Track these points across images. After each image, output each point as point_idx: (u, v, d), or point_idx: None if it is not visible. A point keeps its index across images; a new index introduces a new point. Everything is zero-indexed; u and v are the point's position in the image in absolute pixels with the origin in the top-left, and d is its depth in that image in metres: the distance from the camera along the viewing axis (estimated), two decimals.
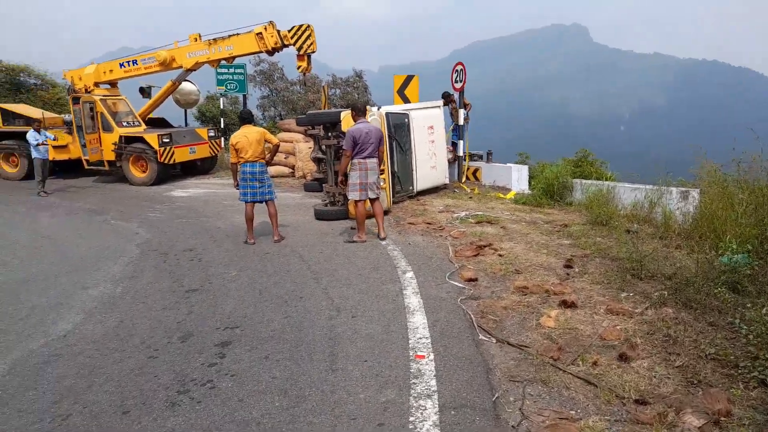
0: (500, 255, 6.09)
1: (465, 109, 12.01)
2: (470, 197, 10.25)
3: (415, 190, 10.06)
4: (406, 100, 12.33)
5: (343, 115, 8.28)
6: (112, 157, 13.39)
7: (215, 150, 14.91)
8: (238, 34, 13.01)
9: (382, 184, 8.51)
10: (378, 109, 9.28)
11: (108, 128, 13.32)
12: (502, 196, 10.60)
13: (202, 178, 14.45)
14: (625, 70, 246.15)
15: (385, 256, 6.33)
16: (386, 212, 8.83)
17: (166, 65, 13.67)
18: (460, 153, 11.95)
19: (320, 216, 8.63)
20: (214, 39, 13.19)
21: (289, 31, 12.58)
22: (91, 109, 13.35)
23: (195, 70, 14.01)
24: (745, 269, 4.43)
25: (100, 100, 13.36)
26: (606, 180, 10.79)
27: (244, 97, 17.82)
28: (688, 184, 12.90)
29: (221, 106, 17.87)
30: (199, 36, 13.44)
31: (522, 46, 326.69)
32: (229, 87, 17.30)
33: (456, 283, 5.24)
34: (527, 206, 9.52)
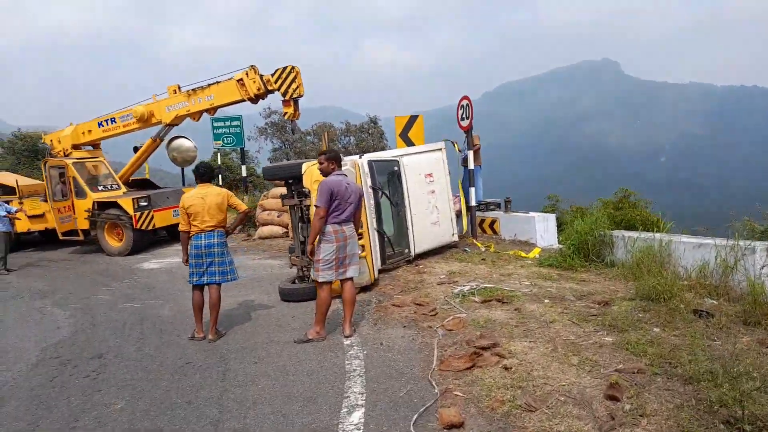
0: (506, 368, 4.03)
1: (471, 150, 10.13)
2: (483, 259, 8.20)
3: (413, 253, 8.10)
4: (410, 144, 10.59)
5: (305, 167, 6.53)
6: (86, 225, 12.04)
7: None
8: (218, 82, 11.71)
9: (360, 252, 6.62)
10: (359, 158, 7.52)
11: (81, 194, 12.02)
12: (523, 255, 8.51)
13: None
14: (661, 101, 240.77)
15: (337, 371, 4.35)
16: (368, 287, 6.89)
17: (144, 121, 12.46)
18: (473, 202, 9.99)
19: (285, 296, 6.78)
20: (194, 89, 11.92)
21: (273, 74, 11.19)
22: (61, 174, 12.13)
23: (176, 125, 12.73)
24: None
25: (73, 163, 12.14)
26: (655, 227, 8.61)
27: (242, 150, 16.51)
28: None
29: (218, 162, 16.61)
30: (179, 87, 12.21)
31: (553, 84, 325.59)
32: (226, 141, 16.05)
33: None
34: (554, 269, 7.41)
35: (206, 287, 5.59)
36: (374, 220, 7.48)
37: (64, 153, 12.90)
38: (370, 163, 7.58)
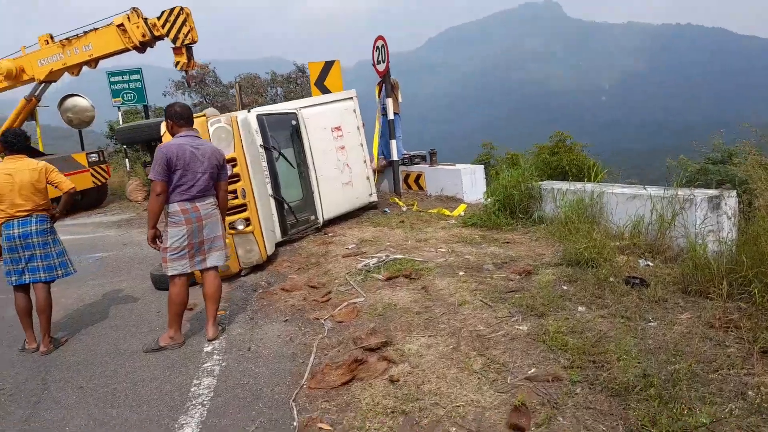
0: (392, 380, 3.11)
1: (393, 96, 9.00)
2: (402, 221, 7.25)
3: (320, 220, 7.05)
4: (326, 92, 9.33)
5: (164, 127, 5.25)
6: None
7: (100, 178, 11.81)
8: (96, 29, 9.95)
9: (242, 227, 5.51)
10: (248, 112, 6.28)
11: None
12: (447, 213, 7.62)
13: (84, 217, 11.33)
14: (602, 42, 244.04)
15: (177, 398, 3.32)
16: (261, 266, 5.83)
17: (14, 78, 10.62)
18: (395, 156, 8.95)
19: (158, 284, 5.63)
20: (68, 39, 10.13)
21: (159, 18, 9.56)
22: None
23: (53, 81, 10.91)
24: None
25: None
26: (592, 174, 7.91)
27: (145, 107, 14.68)
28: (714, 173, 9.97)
29: (120, 122, 14.73)
30: (51, 37, 10.35)
31: (496, 28, 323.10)
32: (126, 98, 14.17)
33: None
34: (478, 229, 6.55)
35: (33, 287, 4.37)
36: (269, 186, 6.34)
37: None
38: (260, 118, 6.35)
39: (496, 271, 4.87)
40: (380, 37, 8.85)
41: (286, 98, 21.69)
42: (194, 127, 4.25)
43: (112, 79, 14.07)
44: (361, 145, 7.75)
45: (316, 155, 6.97)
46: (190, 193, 3.94)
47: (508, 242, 5.87)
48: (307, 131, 6.88)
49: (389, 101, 8.82)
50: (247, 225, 5.53)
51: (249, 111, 6.45)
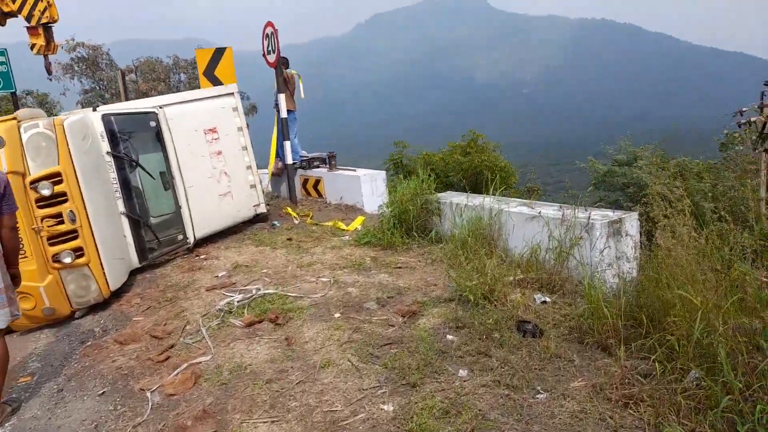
0: None
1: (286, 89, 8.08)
2: (289, 239, 6.40)
3: (191, 239, 6.05)
4: (217, 84, 8.21)
5: None
6: None
7: None
8: None
9: (69, 260, 4.44)
10: (92, 111, 5.18)
11: None
12: (342, 227, 6.85)
13: None
14: (525, 34, 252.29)
15: None
16: (102, 305, 4.79)
17: None
18: (289, 159, 8.05)
19: None
20: None
21: None
22: None
23: None
24: None
25: None
26: (497, 178, 7.44)
27: (14, 95, 12.76)
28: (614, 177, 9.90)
29: None
30: None
31: (424, 17, 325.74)
32: None
33: None
34: (372, 248, 5.83)
35: None
36: (120, 202, 5.28)
37: None
38: (107, 118, 5.25)
39: (377, 311, 4.16)
40: (269, 24, 7.87)
41: (190, 86, 20.03)
42: None
43: None
44: (244, 148, 6.79)
45: (183, 162, 5.95)
46: None
47: (399, 267, 5.20)
48: (172, 134, 5.84)
49: (281, 97, 7.89)
50: (79, 256, 4.46)
51: (94, 110, 5.34)
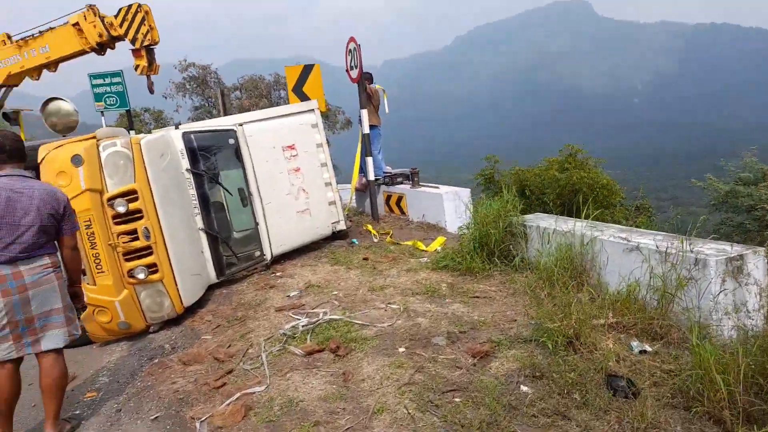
0: None
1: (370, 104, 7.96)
2: (365, 258, 6.18)
3: (268, 256, 6.03)
4: (305, 100, 8.34)
5: (43, 152, 4.29)
6: None
7: None
8: (52, 28, 9.15)
9: (143, 276, 4.52)
10: (175, 129, 5.33)
11: None
12: (422, 247, 6.52)
13: None
14: (633, 42, 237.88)
15: None
16: (175, 321, 4.84)
17: None
18: (371, 175, 7.89)
19: None
20: (25, 39, 9.33)
21: (116, 16, 8.69)
22: None
23: (14, 85, 10.16)
24: None
25: None
26: (605, 192, 6.74)
27: (128, 113, 13.89)
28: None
29: (104, 125, 14.02)
30: (8, 37, 9.58)
31: (526, 28, 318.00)
32: (108, 102, 13.41)
33: None
34: (450, 273, 5.44)
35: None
36: (199, 218, 5.36)
37: None
38: (187, 136, 5.37)
39: (446, 348, 3.77)
40: (352, 39, 7.81)
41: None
42: (30, 161, 3.26)
43: (94, 82, 13.28)
44: (324, 165, 6.70)
45: (261, 179, 5.96)
46: (8, 254, 2.96)
47: (477, 296, 4.76)
48: (250, 151, 5.88)
49: (364, 112, 7.77)
50: (153, 272, 4.53)
51: (176, 128, 5.50)
